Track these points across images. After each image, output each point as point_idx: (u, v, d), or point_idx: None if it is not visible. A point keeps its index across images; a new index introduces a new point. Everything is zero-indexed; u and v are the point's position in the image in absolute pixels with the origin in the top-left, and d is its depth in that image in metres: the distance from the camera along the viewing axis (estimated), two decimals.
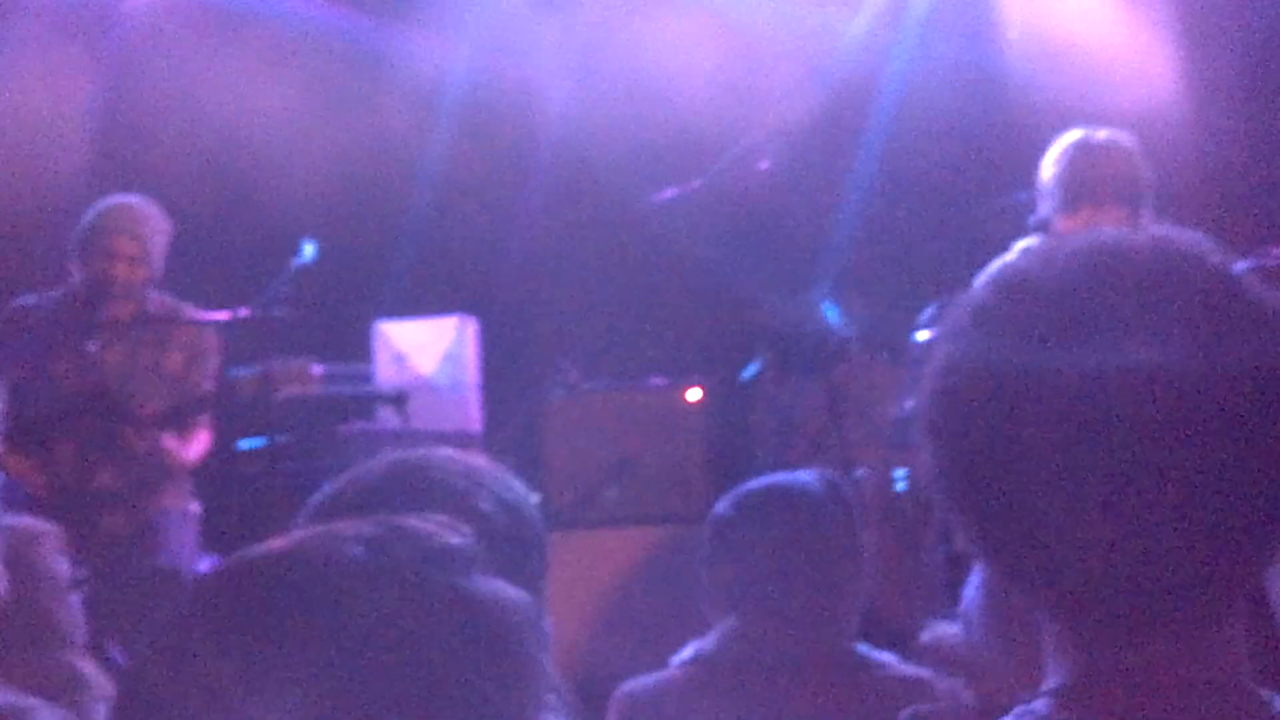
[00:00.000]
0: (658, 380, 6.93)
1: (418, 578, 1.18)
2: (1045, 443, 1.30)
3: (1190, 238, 1.37)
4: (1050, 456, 1.30)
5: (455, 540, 1.23)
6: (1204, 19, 7.05)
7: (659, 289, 7.82)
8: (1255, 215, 6.13)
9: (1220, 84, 7.08)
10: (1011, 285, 1.37)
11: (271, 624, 1.15)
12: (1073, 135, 5.22)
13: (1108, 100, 6.33)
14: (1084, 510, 1.29)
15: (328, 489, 2.00)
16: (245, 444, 6.26)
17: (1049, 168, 5.21)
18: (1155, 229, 1.40)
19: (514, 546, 1.92)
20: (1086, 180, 5.09)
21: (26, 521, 2.94)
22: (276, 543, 1.23)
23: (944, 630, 2.73)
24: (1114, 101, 6.29)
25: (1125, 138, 5.21)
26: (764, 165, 6.73)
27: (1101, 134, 5.21)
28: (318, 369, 5.69)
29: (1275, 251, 4.92)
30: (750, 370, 7.04)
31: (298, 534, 1.26)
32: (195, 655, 1.16)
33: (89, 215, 5.77)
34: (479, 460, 2.11)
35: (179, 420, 5.68)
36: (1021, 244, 5.36)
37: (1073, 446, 1.29)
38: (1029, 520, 1.32)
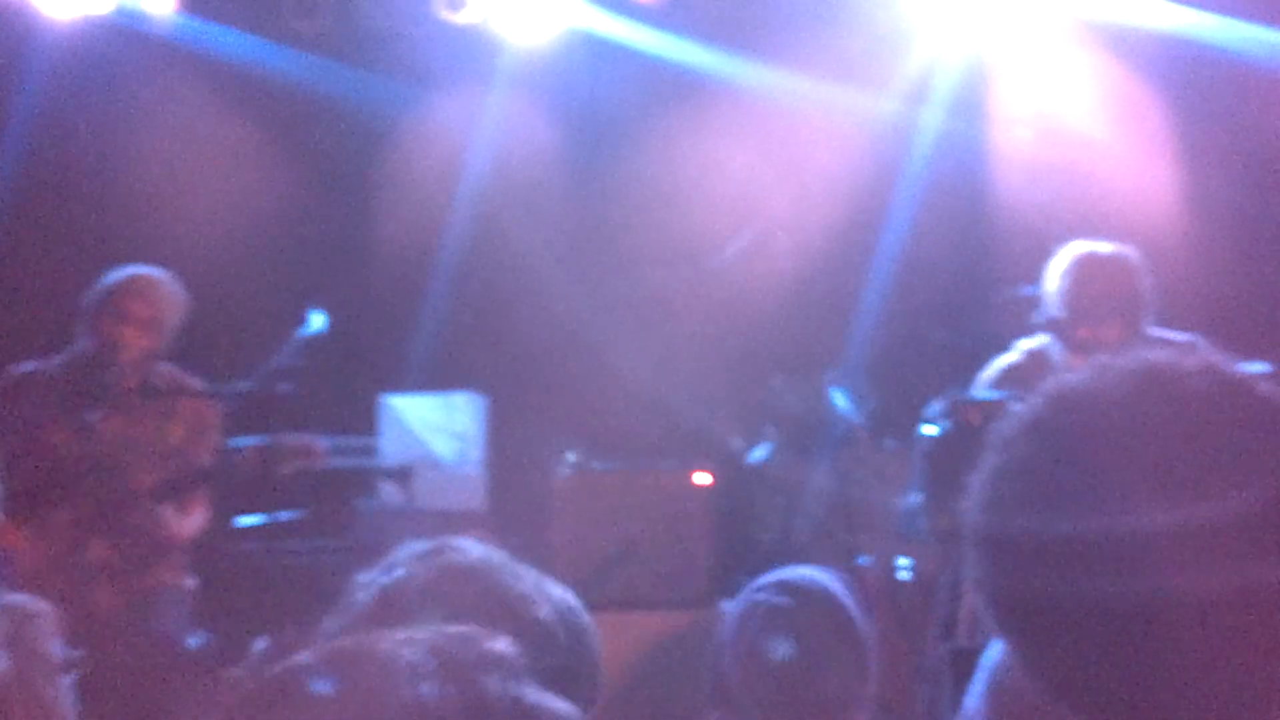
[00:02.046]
0: (665, 461, 6.91)
1: (476, 684, 1.18)
2: (1089, 572, 1.29)
3: (1238, 366, 1.37)
4: (1092, 586, 1.29)
5: (507, 648, 1.23)
6: (1200, 132, 7.13)
7: (670, 370, 7.81)
8: (1248, 324, 6.17)
9: (1213, 194, 7.17)
10: (1065, 401, 1.37)
11: None
12: (1076, 249, 5.28)
13: (1109, 204, 6.40)
14: (1121, 642, 1.29)
15: (372, 590, 1.97)
16: (244, 520, 6.21)
17: (1053, 280, 5.27)
18: (1206, 355, 1.39)
19: (570, 659, 1.91)
20: (1089, 297, 5.16)
21: (21, 599, 2.90)
22: (331, 647, 1.22)
23: None
24: (1114, 205, 6.36)
25: (1127, 252, 5.27)
26: (778, 248, 6.74)
27: (1105, 249, 5.27)
28: (323, 444, 5.65)
29: None
30: (759, 453, 7.01)
31: (350, 639, 1.24)
32: None
33: (105, 279, 5.75)
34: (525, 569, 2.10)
35: (176, 494, 5.62)
36: (1024, 342, 5.40)
37: (1121, 582, 1.28)
38: (1065, 639, 1.32)
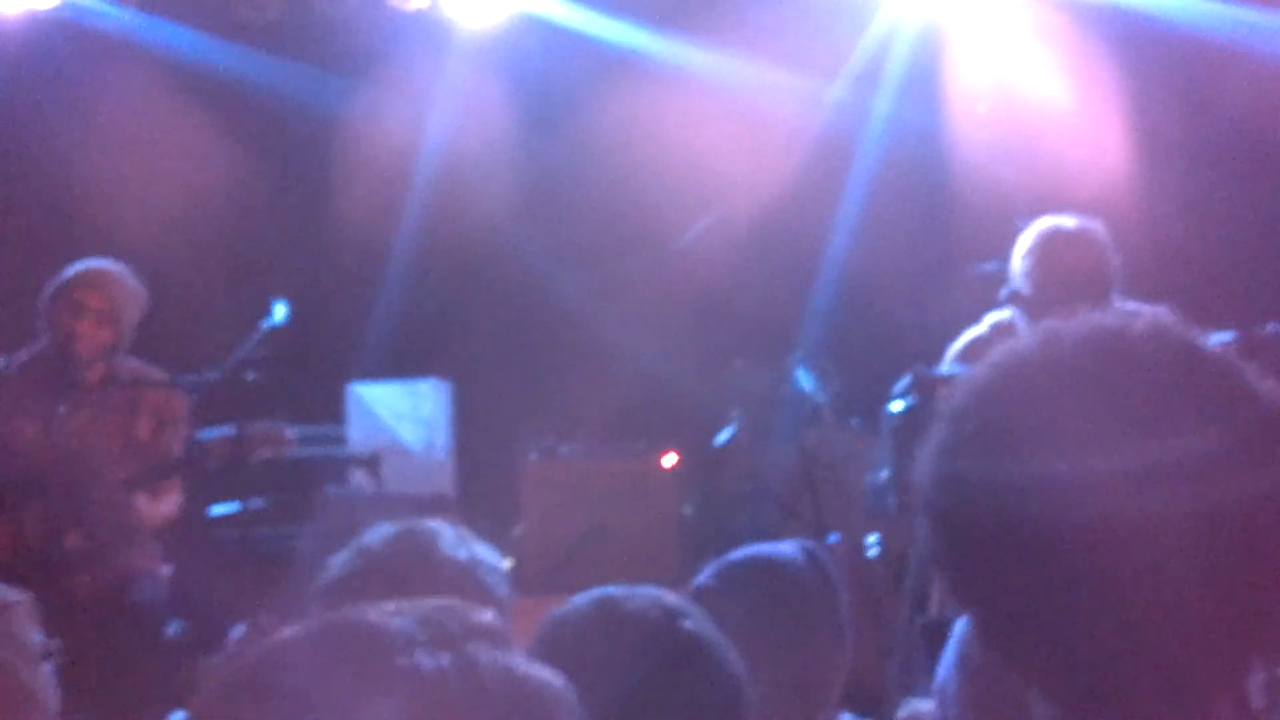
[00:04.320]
0: (632, 445, 6.92)
1: (468, 653, 1.19)
2: (1042, 533, 1.30)
3: (1186, 326, 1.38)
4: (1046, 547, 1.30)
5: (492, 619, 1.24)
6: (1157, 105, 7.18)
7: (633, 353, 7.82)
8: (1209, 295, 6.24)
9: (1172, 167, 7.22)
10: (1012, 369, 1.37)
11: (326, 702, 1.14)
12: (1044, 225, 5.25)
13: (1069, 175, 6.42)
14: (1078, 600, 1.30)
15: (343, 569, 2.01)
16: (217, 509, 6.21)
17: (1020, 258, 5.23)
18: (1153, 315, 1.40)
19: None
20: (1056, 277, 5.13)
21: None
22: (317, 622, 1.22)
23: (919, 707, 2.71)
24: (1074, 176, 6.38)
25: (1094, 228, 5.24)
26: (738, 231, 6.76)
27: (1070, 225, 5.23)
28: (291, 432, 5.65)
29: (1269, 327, 4.97)
30: (724, 435, 7.04)
31: (342, 612, 1.25)
32: None
33: (61, 273, 5.73)
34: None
35: (148, 484, 5.62)
36: (991, 316, 5.40)
37: (1069, 539, 1.29)
38: (1022, 605, 1.33)
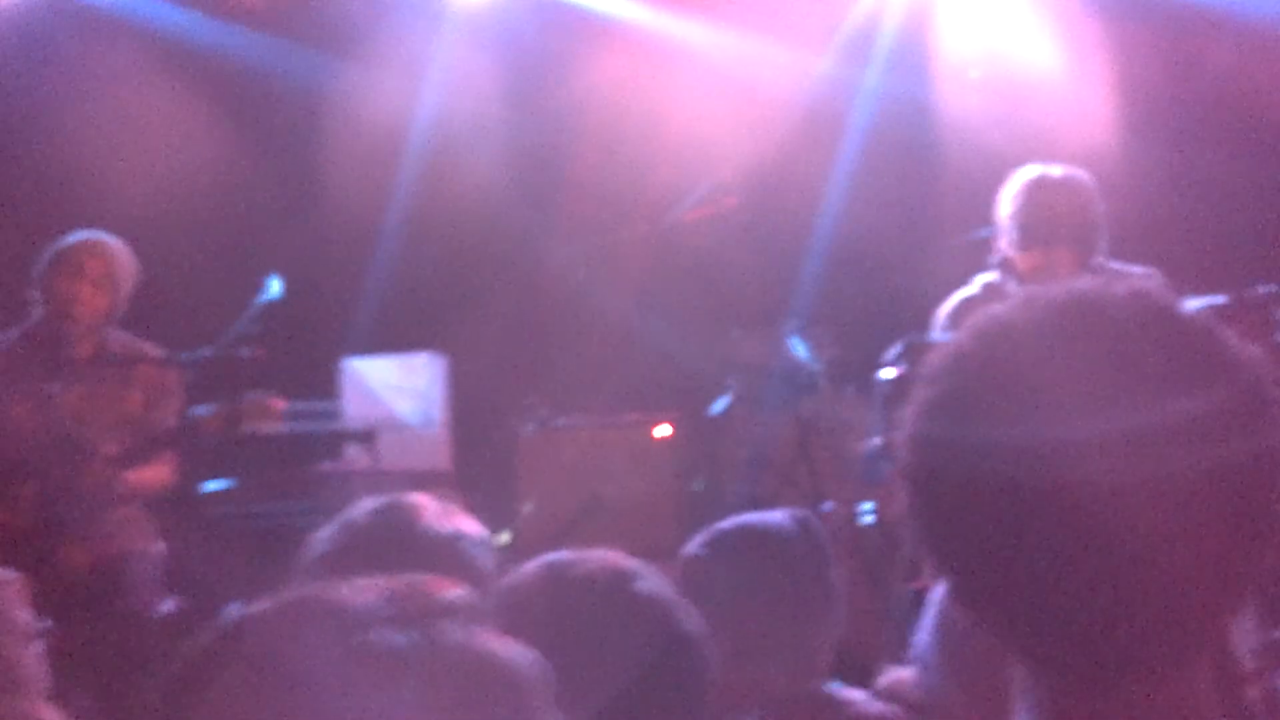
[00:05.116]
0: (628, 416, 6.93)
1: (430, 630, 1.19)
2: (1019, 495, 1.31)
3: (1167, 290, 1.38)
4: (1023, 509, 1.30)
5: (459, 594, 1.24)
6: (1146, 72, 7.18)
7: (628, 324, 7.83)
8: (1197, 260, 6.25)
9: (1158, 130, 7.24)
10: (991, 333, 1.38)
11: (285, 678, 1.15)
12: (1029, 172, 5.29)
13: (1058, 139, 6.43)
14: (1055, 561, 1.30)
15: (322, 542, 2.01)
16: (211, 485, 6.21)
17: (1005, 204, 5.27)
18: (1133, 280, 1.41)
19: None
20: (1040, 220, 5.16)
21: None
22: (285, 597, 1.22)
23: (900, 674, 2.72)
24: (1062, 140, 6.39)
25: (1080, 176, 5.28)
26: (732, 202, 6.77)
27: (1056, 172, 5.28)
28: (282, 403, 5.65)
29: (1257, 290, 4.97)
30: (720, 405, 7.04)
31: (305, 589, 1.25)
32: (207, 700, 1.16)
33: (58, 242, 5.75)
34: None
35: (140, 459, 5.63)
36: (981, 277, 5.42)
37: (1046, 500, 1.30)
38: (1000, 568, 1.33)
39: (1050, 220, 5.15)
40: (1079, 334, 1.33)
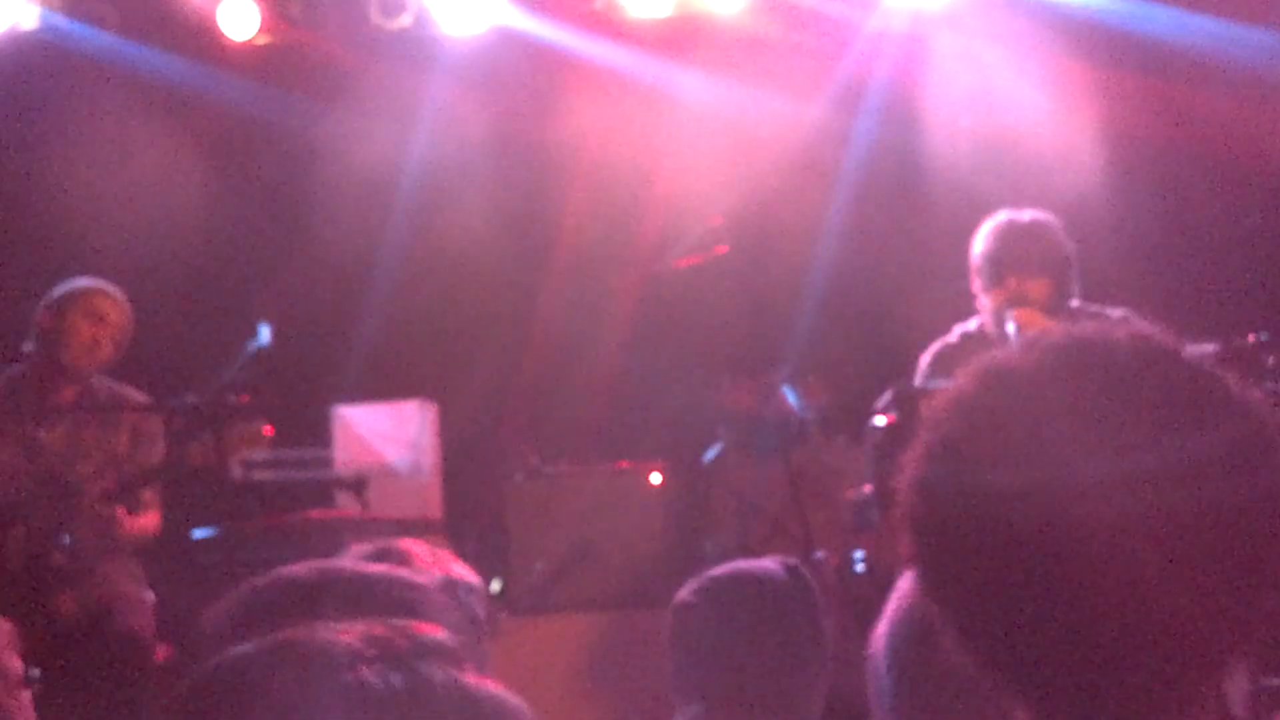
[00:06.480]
0: (619, 464, 6.92)
1: (418, 670, 1.18)
2: (1022, 539, 1.31)
3: (1167, 335, 1.38)
4: (1026, 553, 1.30)
5: (444, 636, 1.23)
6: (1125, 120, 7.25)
7: (619, 372, 7.82)
8: (1180, 304, 6.29)
9: (1143, 173, 7.29)
10: (993, 377, 1.38)
11: (274, 717, 1.14)
12: (999, 216, 5.47)
13: (1048, 186, 6.50)
14: (1059, 605, 1.30)
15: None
16: (201, 533, 6.18)
17: (978, 245, 5.45)
18: (1134, 326, 1.41)
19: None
20: (1010, 252, 5.34)
21: None
22: (272, 638, 1.21)
23: None
24: (1052, 187, 6.46)
25: (1047, 217, 5.46)
26: (723, 249, 6.78)
27: (1025, 214, 5.47)
28: (271, 429, 5.62)
29: (1247, 338, 5.03)
30: (711, 453, 7.03)
31: (287, 632, 1.24)
32: None
33: (65, 286, 5.76)
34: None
35: (128, 495, 5.62)
36: (960, 326, 5.52)
37: (1049, 544, 1.30)
38: (1003, 612, 1.33)
39: (1021, 252, 5.33)
40: (1080, 377, 1.33)
